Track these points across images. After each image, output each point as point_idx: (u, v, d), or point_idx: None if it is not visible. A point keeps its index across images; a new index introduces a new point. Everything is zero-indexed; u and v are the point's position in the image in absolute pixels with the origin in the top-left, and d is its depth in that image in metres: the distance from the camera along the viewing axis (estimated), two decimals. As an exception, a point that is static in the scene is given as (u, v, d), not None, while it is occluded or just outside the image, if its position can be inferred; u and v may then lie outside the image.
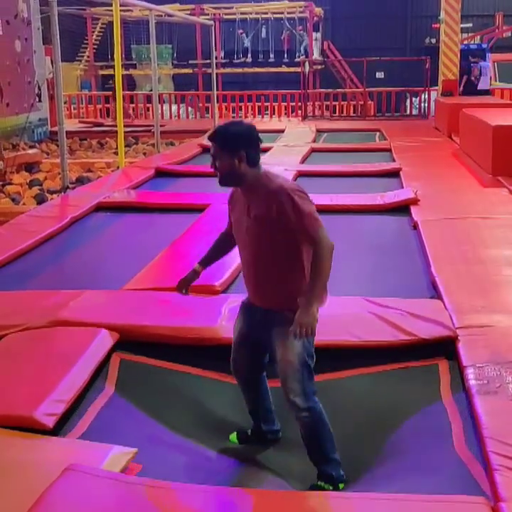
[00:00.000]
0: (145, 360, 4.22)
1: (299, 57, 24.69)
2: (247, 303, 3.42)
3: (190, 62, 26.04)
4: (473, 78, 17.71)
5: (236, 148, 3.18)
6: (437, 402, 3.69)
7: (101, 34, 26.87)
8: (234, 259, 5.80)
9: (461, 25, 18.12)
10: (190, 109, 21.85)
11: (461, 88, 17.02)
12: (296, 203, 3.11)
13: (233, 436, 3.63)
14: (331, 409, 3.37)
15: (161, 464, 3.20)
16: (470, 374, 3.68)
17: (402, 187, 8.95)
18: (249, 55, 26.75)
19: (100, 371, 4.00)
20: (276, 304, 3.23)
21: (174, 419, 3.72)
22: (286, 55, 26.23)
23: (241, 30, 26.81)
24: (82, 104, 21.88)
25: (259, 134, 3.32)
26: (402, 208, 7.77)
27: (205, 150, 13.40)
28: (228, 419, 3.80)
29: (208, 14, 25.04)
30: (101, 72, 26.15)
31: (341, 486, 3.21)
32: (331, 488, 3.20)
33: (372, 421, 3.66)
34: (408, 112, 19.82)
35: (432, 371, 4.01)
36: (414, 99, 20.29)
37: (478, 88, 17.59)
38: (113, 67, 13.04)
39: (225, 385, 3.99)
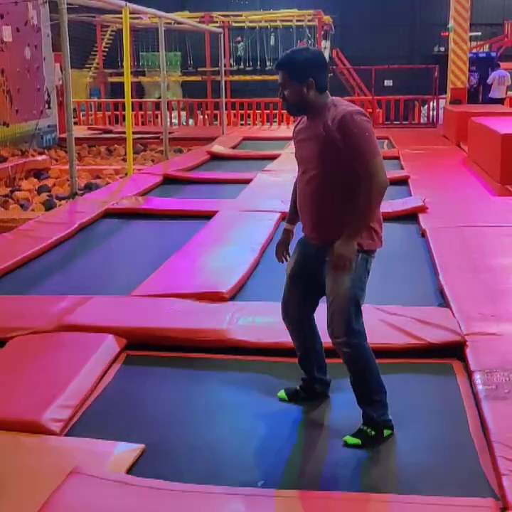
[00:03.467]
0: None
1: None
2: (302, 239, 3.40)
3: (199, 69, 26.10)
4: (468, 87, 17.72)
5: (305, 76, 3.14)
6: (451, 402, 3.69)
7: (110, 41, 26.95)
8: (241, 265, 5.83)
9: (470, 34, 18.14)
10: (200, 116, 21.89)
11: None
12: (359, 127, 3.07)
13: (282, 393, 3.63)
14: (344, 407, 3.36)
15: (170, 460, 3.19)
16: (478, 379, 3.69)
17: (411, 195, 8.94)
18: (243, 64, 26.70)
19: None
20: (329, 237, 3.18)
21: (186, 416, 3.71)
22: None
23: (238, 38, 26.84)
24: (91, 111, 21.95)
25: (325, 59, 3.27)
26: (410, 216, 7.76)
27: (213, 157, 13.44)
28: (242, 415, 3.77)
29: (217, 22, 25.09)
30: (110, 79, 26.21)
31: (387, 432, 3.19)
32: (372, 433, 3.20)
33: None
34: (416, 120, 19.81)
35: (445, 371, 4.01)
36: (422, 107, 20.28)
37: (490, 96, 17.59)
38: (122, 74, 13.08)
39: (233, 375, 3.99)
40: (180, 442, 3.34)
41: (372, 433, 3.24)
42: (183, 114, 21.50)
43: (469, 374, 3.84)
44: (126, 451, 3.13)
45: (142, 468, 3.05)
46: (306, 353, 3.56)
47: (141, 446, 3.17)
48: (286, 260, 3.53)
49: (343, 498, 2.81)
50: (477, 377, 3.72)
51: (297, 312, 3.46)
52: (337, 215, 3.18)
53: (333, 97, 3.26)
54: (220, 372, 4.12)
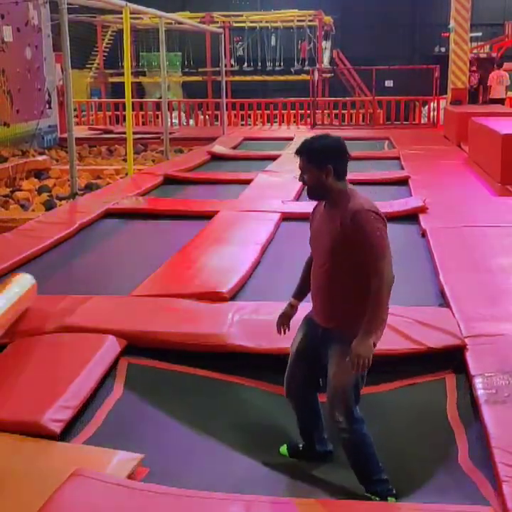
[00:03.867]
0: (153, 364, 4.22)
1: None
2: (309, 317, 3.41)
3: (199, 70, 26.10)
4: (469, 87, 17.73)
5: (323, 162, 3.19)
6: (443, 415, 3.68)
7: (111, 41, 26.95)
8: (242, 265, 5.83)
9: (471, 34, 18.14)
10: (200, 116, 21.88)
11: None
12: (371, 226, 3.11)
13: (284, 449, 3.58)
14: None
15: (171, 466, 3.19)
16: (478, 383, 3.67)
17: (411, 195, 8.94)
18: (243, 64, 26.70)
19: (107, 377, 4.00)
20: (337, 323, 3.23)
21: (187, 422, 3.71)
22: (303, 63, 26.10)
23: (237, 38, 26.84)
24: (91, 111, 21.95)
25: (344, 146, 3.26)
26: (410, 216, 7.76)
27: (213, 157, 13.44)
28: (244, 422, 3.77)
29: (217, 22, 25.10)
30: (111, 80, 26.22)
31: (391, 499, 3.19)
32: (377, 499, 3.19)
33: (383, 431, 3.64)
34: (417, 120, 19.80)
35: (439, 385, 4.00)
36: (423, 107, 20.27)
37: (491, 97, 17.60)
38: (123, 74, 13.08)
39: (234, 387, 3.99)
40: (180, 449, 3.34)
41: (377, 499, 3.22)
42: (183, 115, 21.47)
43: (469, 379, 3.82)
44: (125, 460, 3.11)
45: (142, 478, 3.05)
46: (307, 428, 3.55)
47: (140, 455, 3.15)
48: (285, 333, 3.52)
49: (338, 506, 2.80)
50: (477, 382, 3.70)
51: (300, 390, 3.46)
52: (346, 305, 3.21)
53: (352, 188, 3.28)
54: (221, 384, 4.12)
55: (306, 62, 25.95)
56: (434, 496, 2.95)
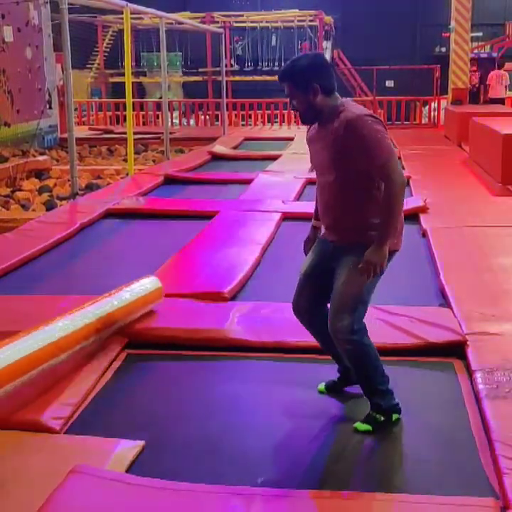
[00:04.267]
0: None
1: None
2: (321, 239, 3.43)
3: (200, 70, 26.10)
4: (470, 87, 17.73)
5: (309, 83, 3.14)
6: (452, 401, 3.69)
7: (111, 42, 26.95)
8: (242, 265, 5.83)
9: (471, 34, 18.14)
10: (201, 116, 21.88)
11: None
12: (369, 129, 3.06)
13: (321, 387, 3.65)
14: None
15: (170, 458, 3.19)
16: (479, 378, 3.70)
17: (412, 195, 8.94)
18: (243, 64, 26.69)
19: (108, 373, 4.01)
20: (347, 238, 3.21)
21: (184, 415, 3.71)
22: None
23: (236, 38, 26.83)
24: (92, 111, 21.95)
25: (325, 60, 3.31)
26: (411, 216, 7.73)
27: (214, 157, 13.44)
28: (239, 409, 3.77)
29: (218, 22, 25.09)
30: (111, 80, 26.22)
31: (395, 416, 3.26)
32: (381, 418, 3.28)
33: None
34: (418, 120, 19.80)
35: (447, 370, 4.02)
36: (423, 107, 20.28)
37: (491, 96, 17.61)
38: (123, 74, 13.08)
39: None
40: (181, 439, 3.35)
41: (382, 418, 3.31)
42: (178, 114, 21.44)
43: (470, 373, 3.84)
44: (127, 448, 3.13)
45: (142, 466, 3.05)
46: (327, 345, 3.56)
47: (141, 442, 3.17)
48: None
49: (343, 498, 2.81)
50: (478, 377, 3.72)
51: (309, 306, 3.47)
52: (355, 218, 3.21)
53: (344, 99, 3.26)
54: (221, 368, 4.12)
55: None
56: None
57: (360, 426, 3.31)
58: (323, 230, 3.46)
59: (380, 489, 2.90)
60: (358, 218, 3.20)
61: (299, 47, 26.41)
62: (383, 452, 3.25)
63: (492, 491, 2.84)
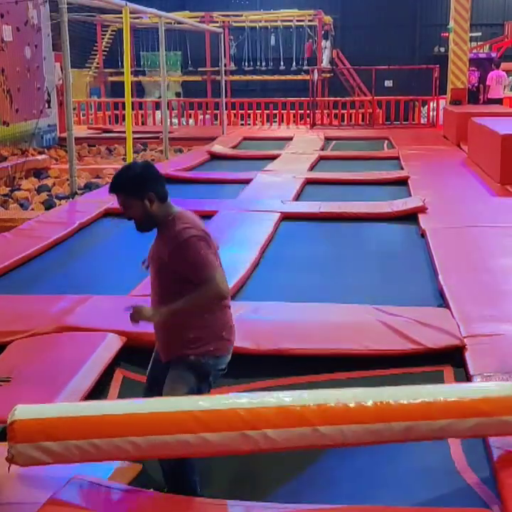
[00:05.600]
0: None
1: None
2: (155, 353, 3.39)
3: (199, 69, 26.10)
4: (469, 86, 17.73)
5: (144, 191, 3.09)
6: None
7: (110, 41, 26.95)
8: (241, 265, 5.83)
9: (470, 34, 18.13)
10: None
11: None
12: (191, 250, 3.05)
13: None
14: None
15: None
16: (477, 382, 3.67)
17: (410, 195, 8.95)
18: (237, 63, 26.67)
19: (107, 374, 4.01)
20: (171, 350, 3.17)
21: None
22: (308, 63, 26.01)
23: (231, 37, 26.81)
24: (91, 110, 21.94)
25: (156, 169, 3.22)
26: (410, 216, 7.76)
27: (213, 157, 13.44)
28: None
29: (217, 22, 25.09)
30: (110, 79, 26.22)
31: None
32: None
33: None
34: (416, 120, 19.80)
35: (437, 378, 4.00)
36: (422, 107, 20.28)
37: (489, 96, 17.62)
38: (122, 74, 13.07)
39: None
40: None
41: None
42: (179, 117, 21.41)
43: (468, 378, 3.83)
44: (124, 468, 3.10)
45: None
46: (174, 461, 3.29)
47: (139, 465, 3.14)
48: None
49: (332, 510, 2.78)
50: (476, 381, 3.69)
51: None
52: (177, 328, 3.15)
53: (179, 211, 3.21)
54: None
55: (306, 62, 25.93)
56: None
57: None
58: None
59: (366, 500, 2.88)
60: (181, 332, 3.14)
61: (303, 46, 26.35)
62: (376, 464, 3.24)
63: (488, 501, 2.82)
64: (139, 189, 3.09)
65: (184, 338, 3.12)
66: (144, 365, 4.16)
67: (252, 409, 2.70)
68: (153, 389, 3.26)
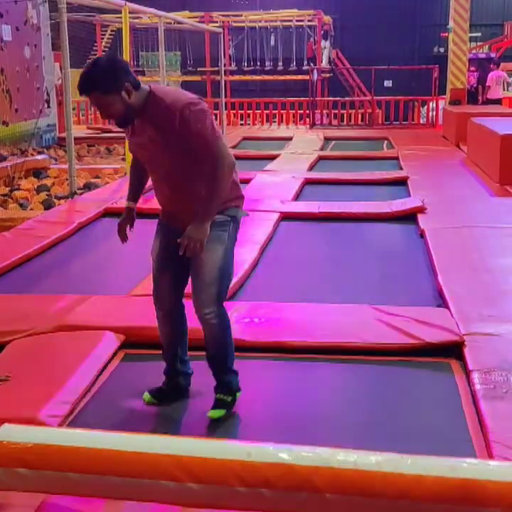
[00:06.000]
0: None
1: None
2: (163, 223, 3.40)
3: (198, 69, 26.10)
4: (468, 87, 17.74)
5: (120, 83, 2.98)
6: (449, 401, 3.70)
7: (110, 41, 26.94)
8: (240, 265, 5.82)
9: (470, 35, 18.14)
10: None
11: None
12: (192, 115, 3.03)
13: (147, 396, 3.55)
14: (341, 394, 3.37)
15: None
16: (476, 378, 3.70)
17: (410, 195, 8.95)
18: (236, 63, 26.67)
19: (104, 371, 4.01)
20: (190, 218, 3.15)
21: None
22: (308, 63, 25.98)
23: (230, 37, 26.80)
24: (90, 110, 21.94)
25: (119, 57, 3.23)
26: (409, 216, 7.76)
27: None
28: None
29: (217, 22, 25.09)
30: (110, 79, 26.23)
31: (238, 394, 3.41)
32: (229, 398, 3.37)
33: (381, 410, 3.64)
34: (416, 120, 19.82)
35: (443, 370, 4.02)
36: (422, 107, 20.29)
37: (489, 97, 17.63)
38: (122, 73, 13.06)
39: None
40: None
41: (229, 399, 3.40)
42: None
43: (467, 373, 3.84)
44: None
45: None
46: (173, 342, 3.54)
47: None
48: (127, 240, 3.59)
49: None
50: (475, 377, 3.72)
51: (169, 297, 3.45)
52: (194, 197, 3.17)
53: (153, 86, 3.13)
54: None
55: (306, 62, 25.90)
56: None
57: (214, 413, 3.37)
58: (163, 216, 3.42)
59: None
60: (198, 198, 3.16)
61: (305, 46, 26.27)
62: (375, 439, 3.24)
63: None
64: (115, 82, 2.97)
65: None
66: (143, 362, 4.19)
67: (248, 463, 2.31)
68: (167, 268, 3.35)
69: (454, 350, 4.16)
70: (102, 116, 3.10)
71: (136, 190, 3.56)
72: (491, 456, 3.02)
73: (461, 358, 4.06)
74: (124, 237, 3.57)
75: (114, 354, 4.21)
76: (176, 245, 3.15)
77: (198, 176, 3.16)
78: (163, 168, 3.19)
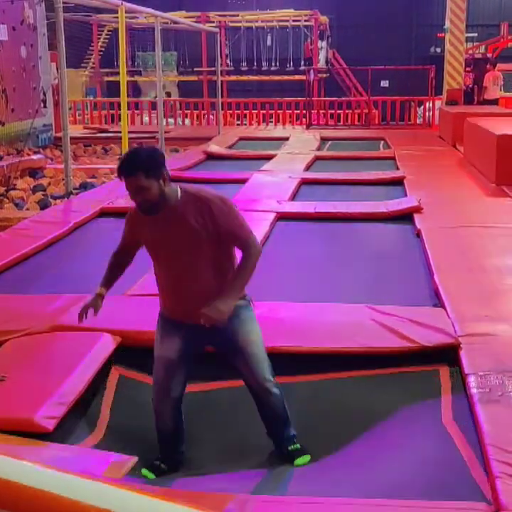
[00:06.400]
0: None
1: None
2: (174, 323, 3.35)
3: (195, 69, 26.09)
4: (464, 87, 17.76)
5: (160, 170, 3.15)
6: (437, 406, 3.68)
7: (107, 41, 26.93)
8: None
9: (466, 35, 18.16)
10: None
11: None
12: (226, 211, 3.17)
13: (146, 472, 3.40)
14: (329, 409, 3.37)
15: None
16: (472, 382, 3.68)
17: (406, 195, 8.95)
18: (232, 63, 26.68)
19: (102, 374, 4.00)
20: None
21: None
22: (306, 63, 25.95)
23: (225, 37, 26.78)
24: (86, 110, 21.93)
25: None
26: (405, 216, 7.77)
27: (209, 157, 13.43)
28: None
29: (213, 22, 25.08)
30: (106, 79, 26.20)
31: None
32: (299, 445, 3.42)
33: (369, 422, 3.64)
34: (412, 120, 19.82)
35: (432, 376, 4.00)
36: (418, 108, 20.30)
37: (486, 97, 17.64)
38: (118, 73, 13.06)
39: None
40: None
41: (299, 445, 3.45)
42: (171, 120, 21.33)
43: (463, 377, 3.83)
44: (119, 463, 3.09)
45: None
46: (176, 431, 3.49)
47: (134, 458, 3.14)
48: (82, 320, 3.50)
49: (334, 504, 2.79)
50: (471, 380, 3.70)
51: (181, 392, 3.44)
52: (219, 290, 3.21)
53: (178, 185, 3.30)
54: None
55: (303, 62, 25.91)
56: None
57: (302, 460, 3.40)
58: (176, 315, 3.35)
59: (368, 496, 2.88)
60: (219, 292, 3.21)
61: (303, 46, 26.26)
62: (370, 459, 3.24)
63: (484, 496, 2.82)
64: (156, 168, 3.14)
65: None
66: (139, 364, 4.18)
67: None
68: (184, 365, 3.36)
69: (449, 353, 4.14)
70: (134, 199, 3.17)
71: (112, 279, 3.58)
72: (487, 460, 2.99)
73: (456, 361, 4.04)
74: (82, 318, 3.51)
75: (110, 356, 4.19)
76: (199, 340, 3.32)
77: (218, 269, 3.25)
78: (186, 261, 3.23)
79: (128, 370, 4.20)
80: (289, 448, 3.43)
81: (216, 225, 3.14)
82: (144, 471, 3.42)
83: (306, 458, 3.40)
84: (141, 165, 3.10)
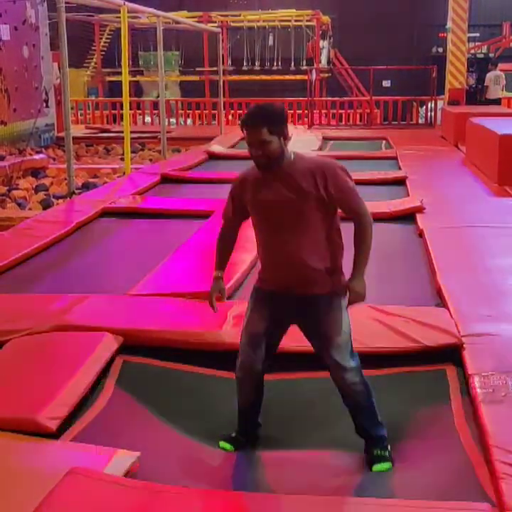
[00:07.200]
0: (148, 361, 4.21)
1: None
2: (268, 294, 3.31)
3: (197, 69, 26.10)
4: (466, 87, 17.75)
5: (283, 127, 3.13)
6: (445, 406, 3.68)
7: (108, 40, 26.94)
8: (239, 265, 5.82)
9: (468, 35, 18.16)
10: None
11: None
12: (340, 177, 3.15)
13: (224, 444, 3.46)
14: (334, 407, 3.37)
15: (165, 465, 3.19)
16: (475, 382, 3.67)
17: (408, 195, 8.95)
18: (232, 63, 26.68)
19: (105, 374, 3.99)
20: (318, 285, 3.19)
21: (178, 420, 3.70)
22: (308, 63, 25.93)
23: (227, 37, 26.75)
24: (89, 110, 21.94)
25: None
26: (407, 216, 7.76)
27: (211, 156, 13.43)
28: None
29: (215, 22, 25.08)
30: (108, 79, 26.21)
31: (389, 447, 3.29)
32: (387, 453, 3.25)
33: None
34: (414, 120, 19.82)
35: (439, 376, 3.99)
36: (420, 107, 20.29)
37: (487, 97, 17.65)
38: (120, 73, 13.06)
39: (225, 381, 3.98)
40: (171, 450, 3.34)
41: (387, 453, 3.28)
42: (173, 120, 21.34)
43: (466, 377, 3.82)
44: (122, 458, 3.09)
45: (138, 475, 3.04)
46: (256, 403, 3.48)
47: (137, 453, 3.14)
48: (217, 310, 3.51)
49: (340, 502, 2.79)
50: (474, 381, 3.69)
51: (260, 371, 3.40)
52: (323, 264, 3.20)
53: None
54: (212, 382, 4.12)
55: (305, 62, 25.90)
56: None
57: (381, 467, 3.23)
58: (275, 286, 3.29)
59: (375, 494, 2.88)
60: (325, 265, 3.20)
61: (306, 46, 26.22)
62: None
63: (487, 496, 2.82)
64: (280, 125, 3.12)
65: (331, 268, 3.23)
66: (141, 364, 4.18)
67: None
68: (268, 339, 3.31)
69: (452, 352, 4.13)
70: (253, 152, 3.13)
71: (225, 259, 3.54)
72: (491, 461, 2.98)
73: (459, 361, 4.03)
74: (214, 305, 3.52)
75: (113, 356, 4.19)
76: (286, 314, 3.27)
77: (323, 237, 3.19)
78: (292, 228, 3.18)
79: (129, 370, 4.19)
80: (375, 453, 3.26)
81: (328, 189, 3.10)
82: (222, 443, 3.46)
83: (386, 465, 3.23)
84: (266, 119, 3.09)
